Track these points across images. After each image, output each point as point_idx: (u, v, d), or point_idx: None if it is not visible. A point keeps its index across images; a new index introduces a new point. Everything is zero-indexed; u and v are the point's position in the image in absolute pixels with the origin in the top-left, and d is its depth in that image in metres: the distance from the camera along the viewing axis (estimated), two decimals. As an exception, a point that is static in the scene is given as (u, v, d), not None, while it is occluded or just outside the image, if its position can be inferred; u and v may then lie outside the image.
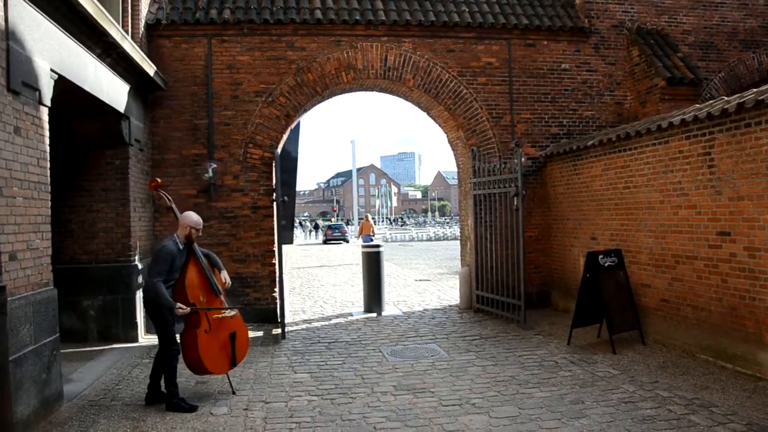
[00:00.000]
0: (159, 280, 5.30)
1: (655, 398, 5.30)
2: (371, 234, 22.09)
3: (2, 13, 4.62)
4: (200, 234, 5.79)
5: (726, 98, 6.58)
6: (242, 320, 6.01)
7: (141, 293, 8.17)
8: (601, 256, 7.42)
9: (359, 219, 39.09)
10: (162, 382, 5.44)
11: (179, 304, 5.37)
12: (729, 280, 6.22)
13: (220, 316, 5.69)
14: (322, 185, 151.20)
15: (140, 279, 8.20)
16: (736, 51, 10.95)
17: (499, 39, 10.18)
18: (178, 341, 5.57)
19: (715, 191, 6.37)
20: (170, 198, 6.10)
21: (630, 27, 10.55)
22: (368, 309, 10.29)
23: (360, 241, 22.54)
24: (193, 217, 5.68)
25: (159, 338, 5.50)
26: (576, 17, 10.49)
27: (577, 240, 9.41)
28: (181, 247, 5.53)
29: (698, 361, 6.50)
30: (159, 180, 6.22)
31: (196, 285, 5.60)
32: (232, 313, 5.85)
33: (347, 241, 37.26)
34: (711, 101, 7.15)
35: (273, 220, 9.42)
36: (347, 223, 52.40)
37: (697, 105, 7.39)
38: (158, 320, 5.43)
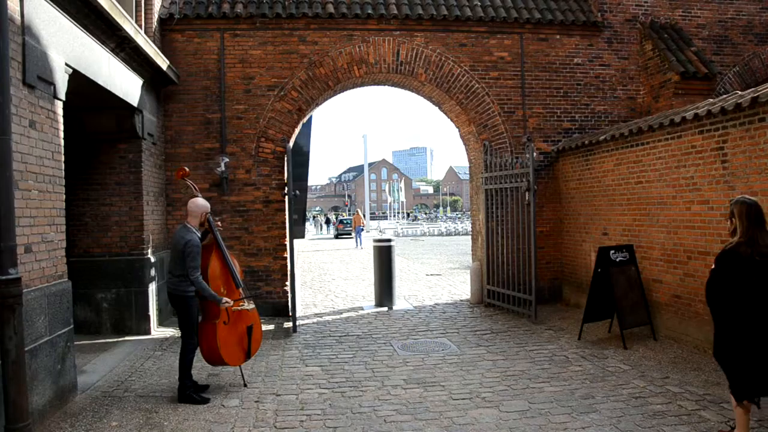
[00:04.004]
0: (198, 275, 5.32)
1: (666, 394, 5.29)
2: (362, 225, 29.55)
3: (18, 8, 4.67)
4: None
5: (740, 93, 6.51)
6: (258, 314, 6.06)
7: (154, 286, 8.26)
8: (612, 252, 7.40)
9: (351, 213, 49.89)
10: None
11: (225, 299, 5.45)
12: (742, 276, 6.16)
13: (239, 308, 5.74)
14: (333, 180, 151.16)
15: (153, 272, 8.28)
16: (752, 45, 10.82)
17: (511, 33, 10.14)
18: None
19: (728, 186, 6.32)
20: (197, 188, 6.13)
21: (643, 21, 10.46)
22: (379, 303, 10.31)
23: (354, 233, 30.22)
24: (201, 202, 5.64)
25: (182, 330, 5.55)
26: (589, 11, 10.41)
27: (588, 235, 9.37)
28: (199, 236, 5.54)
29: (710, 357, 6.45)
30: (187, 169, 6.15)
31: (218, 276, 5.64)
32: (251, 305, 5.90)
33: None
34: (725, 96, 7.08)
35: (285, 214, 9.46)
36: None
37: (711, 99, 7.33)
38: (184, 313, 5.48)
